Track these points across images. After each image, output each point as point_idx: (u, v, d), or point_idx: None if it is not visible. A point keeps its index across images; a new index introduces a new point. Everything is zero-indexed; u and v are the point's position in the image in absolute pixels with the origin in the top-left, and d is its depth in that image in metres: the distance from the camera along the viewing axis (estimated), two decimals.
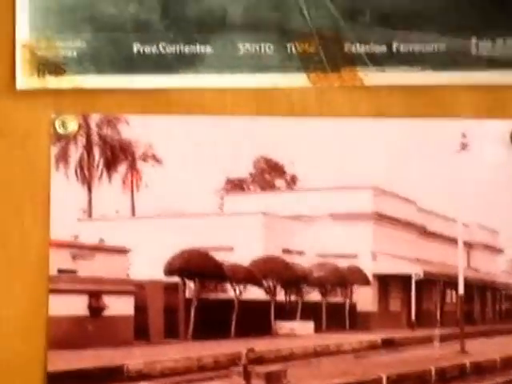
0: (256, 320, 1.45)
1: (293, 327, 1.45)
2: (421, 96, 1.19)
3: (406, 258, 1.55)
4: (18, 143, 1.19)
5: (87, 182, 1.29)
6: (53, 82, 1.16)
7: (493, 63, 1.18)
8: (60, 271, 1.23)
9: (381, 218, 1.54)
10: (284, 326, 1.46)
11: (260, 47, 1.18)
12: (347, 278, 1.51)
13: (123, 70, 1.17)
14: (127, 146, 1.31)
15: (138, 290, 1.39)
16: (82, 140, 1.30)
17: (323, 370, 1.35)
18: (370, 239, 1.51)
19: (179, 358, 1.34)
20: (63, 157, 1.27)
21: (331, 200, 1.39)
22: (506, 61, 1.18)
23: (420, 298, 1.61)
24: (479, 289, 1.60)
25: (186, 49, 1.18)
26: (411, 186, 1.32)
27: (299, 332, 1.45)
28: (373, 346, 1.50)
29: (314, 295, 1.50)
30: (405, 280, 1.61)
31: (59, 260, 1.22)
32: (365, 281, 1.53)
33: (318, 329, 1.44)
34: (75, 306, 1.31)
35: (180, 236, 1.36)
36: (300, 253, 1.40)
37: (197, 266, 1.39)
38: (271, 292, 1.49)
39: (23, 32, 1.16)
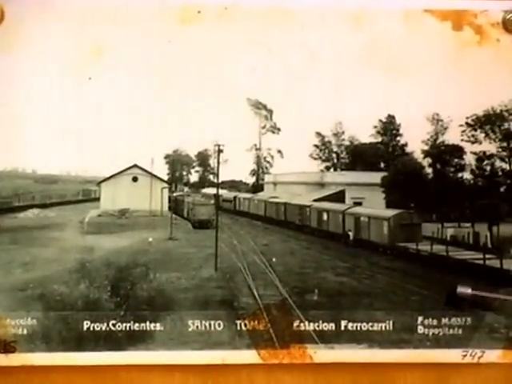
0: None
1: None
2: (368, 373, 1.21)
3: None
4: None
5: None
6: (2, 360, 1.17)
7: (438, 341, 1.21)
8: None
9: None
10: None
11: (210, 324, 1.19)
12: None
13: (73, 348, 1.18)
14: None
15: None
16: None
17: None
18: None
19: None
20: None
21: None
22: (450, 339, 1.21)
23: None
24: None
25: (136, 326, 1.19)
26: None
27: None
28: None
29: None
30: None
31: None
32: None
33: None
34: None
35: None
36: None
37: None
38: None
39: None
